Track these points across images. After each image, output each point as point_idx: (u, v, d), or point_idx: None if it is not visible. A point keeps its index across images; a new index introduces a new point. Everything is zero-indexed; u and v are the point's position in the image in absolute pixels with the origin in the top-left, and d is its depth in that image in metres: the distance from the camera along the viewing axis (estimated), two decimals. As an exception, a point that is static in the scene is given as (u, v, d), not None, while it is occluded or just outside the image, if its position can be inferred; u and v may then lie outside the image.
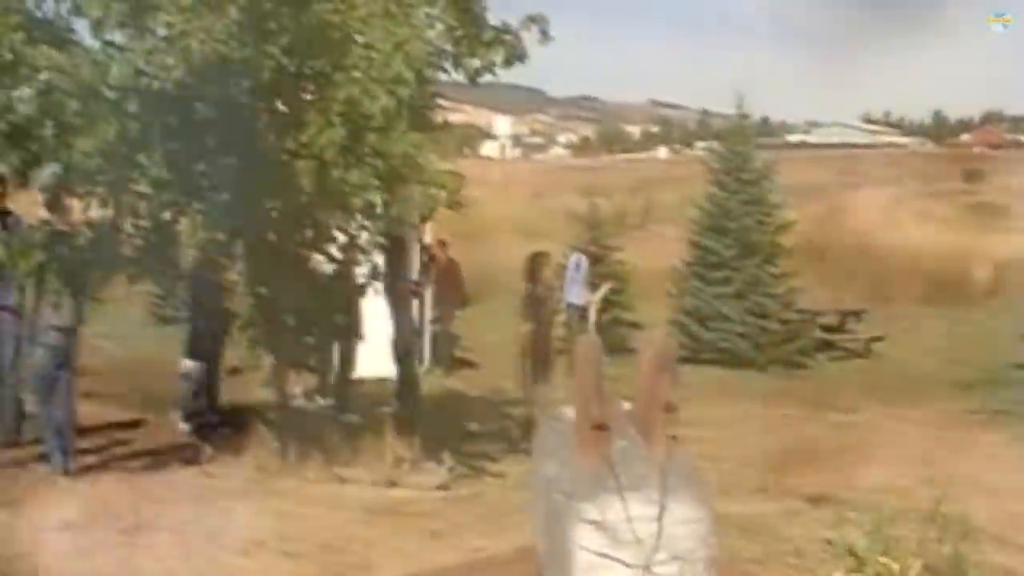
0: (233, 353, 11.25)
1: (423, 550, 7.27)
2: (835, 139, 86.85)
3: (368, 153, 8.85)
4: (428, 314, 15.97)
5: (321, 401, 12.19)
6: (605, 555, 3.77)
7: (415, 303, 13.93)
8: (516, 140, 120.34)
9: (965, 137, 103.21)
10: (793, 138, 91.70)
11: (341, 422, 10.63)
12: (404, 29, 8.87)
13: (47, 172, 8.75)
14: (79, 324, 9.20)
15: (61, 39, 8.70)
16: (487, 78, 9.68)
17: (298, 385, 11.76)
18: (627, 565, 3.76)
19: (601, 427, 3.96)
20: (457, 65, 9.54)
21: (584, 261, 17.10)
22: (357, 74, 8.78)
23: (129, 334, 15.54)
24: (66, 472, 8.85)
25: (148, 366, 12.76)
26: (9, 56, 8.32)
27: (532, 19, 9.44)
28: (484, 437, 11.00)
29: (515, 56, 9.57)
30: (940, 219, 33.93)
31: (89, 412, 9.88)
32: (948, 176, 50.55)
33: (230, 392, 11.30)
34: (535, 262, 13.43)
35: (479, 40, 9.44)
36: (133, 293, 12.81)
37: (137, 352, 14.29)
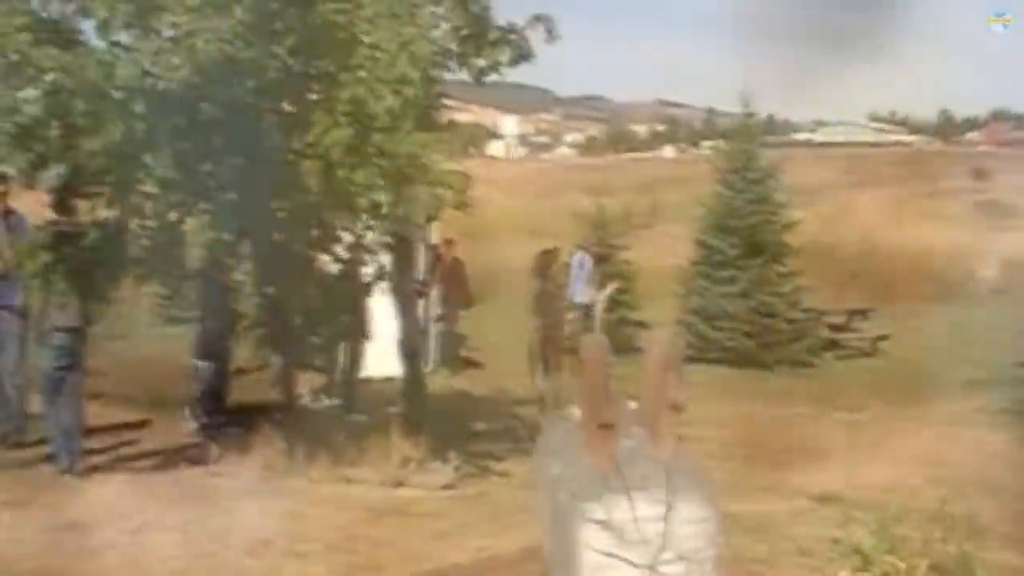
0: (238, 354, 11.27)
1: (429, 549, 7.28)
2: (841, 138, 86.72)
3: (374, 153, 8.85)
4: (433, 314, 15.95)
5: (328, 401, 12.21)
6: (611, 555, 3.76)
7: (421, 303, 13.92)
8: (522, 139, 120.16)
9: (972, 135, 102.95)
10: (799, 137, 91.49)
11: (348, 422, 10.65)
12: (410, 29, 8.87)
13: (54, 173, 8.76)
14: (87, 325, 9.21)
15: (67, 40, 8.72)
16: (493, 77, 9.69)
17: (305, 385, 11.78)
18: (633, 565, 3.76)
19: (608, 427, 3.95)
20: (463, 65, 9.55)
21: (588, 260, 17.09)
22: (363, 74, 8.78)
23: (135, 334, 15.54)
24: (73, 472, 8.87)
25: (155, 366, 12.76)
26: (16, 57, 8.35)
27: (538, 18, 9.45)
28: (490, 436, 10.99)
29: (521, 55, 9.57)
30: (947, 217, 33.88)
31: (96, 412, 9.89)
32: (955, 174, 50.45)
33: (237, 392, 11.30)
34: (545, 259, 13.42)
35: (485, 39, 9.45)
36: (139, 293, 12.82)
37: (143, 352, 14.30)
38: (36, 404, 9.50)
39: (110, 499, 8.15)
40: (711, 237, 19.09)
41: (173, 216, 9.45)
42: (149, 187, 9.11)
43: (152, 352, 14.17)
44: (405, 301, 11.36)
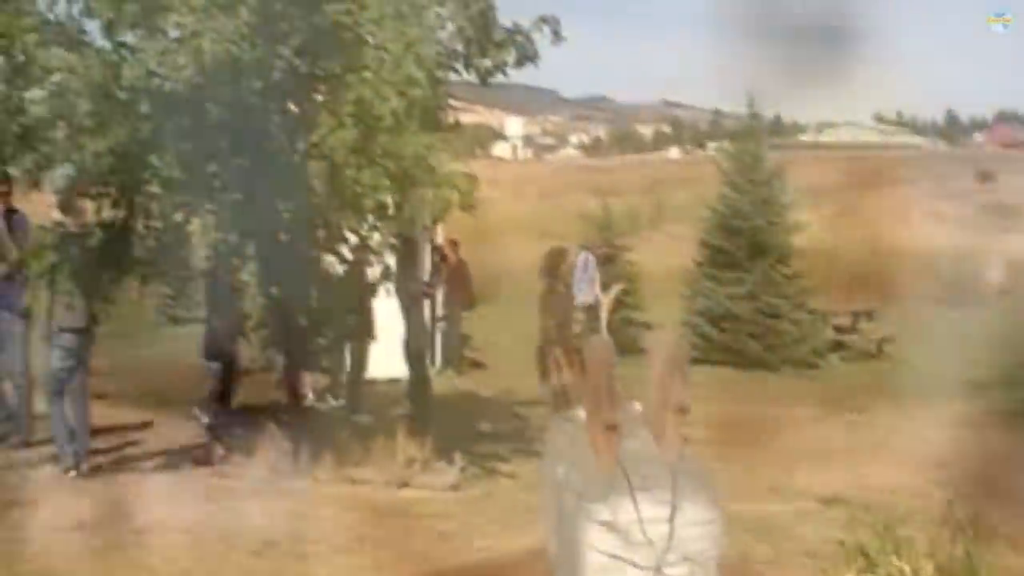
0: (243, 355, 11.26)
1: (435, 550, 7.28)
2: (847, 139, 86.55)
3: (379, 154, 8.83)
4: (438, 315, 15.95)
5: (333, 402, 12.22)
6: (616, 556, 3.76)
7: (426, 304, 13.91)
8: (528, 140, 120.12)
9: (978, 137, 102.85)
10: (805, 138, 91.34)
11: (353, 423, 10.65)
12: (415, 30, 8.86)
13: (59, 173, 8.77)
14: (93, 325, 9.21)
15: (73, 40, 8.72)
16: (499, 78, 9.67)
17: (310, 386, 11.78)
18: (638, 566, 3.76)
19: (613, 428, 3.95)
20: (468, 66, 9.53)
21: (592, 260, 17.07)
22: (368, 75, 8.77)
23: (140, 334, 15.56)
24: (78, 473, 8.87)
25: (159, 367, 12.78)
26: (21, 57, 8.36)
27: (544, 20, 9.43)
28: (495, 437, 10.98)
29: (526, 56, 9.56)
30: (953, 219, 33.83)
31: (100, 413, 9.90)
32: (961, 176, 50.35)
33: (242, 393, 11.30)
34: (554, 258, 13.39)
35: (490, 40, 9.43)
36: (144, 293, 12.83)
37: (148, 353, 14.32)
38: (41, 404, 9.51)
39: (115, 499, 8.16)
40: (716, 238, 19.07)
41: (179, 217, 9.45)
42: (154, 188, 9.10)
43: (157, 352, 14.19)
44: (410, 302, 11.35)
